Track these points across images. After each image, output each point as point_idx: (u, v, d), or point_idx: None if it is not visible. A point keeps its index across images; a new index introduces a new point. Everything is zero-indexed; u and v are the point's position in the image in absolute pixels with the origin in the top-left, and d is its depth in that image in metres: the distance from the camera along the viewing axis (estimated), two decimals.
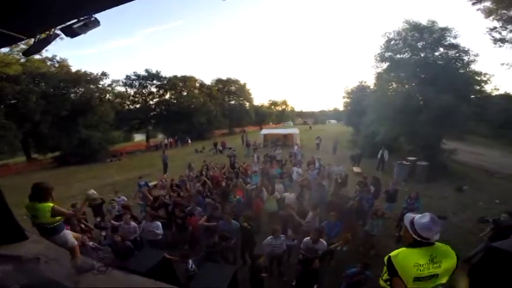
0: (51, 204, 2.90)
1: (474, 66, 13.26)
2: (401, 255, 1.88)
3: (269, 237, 5.00)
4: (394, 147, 16.08)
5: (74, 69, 25.57)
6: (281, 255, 5.17)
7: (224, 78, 50.14)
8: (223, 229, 5.44)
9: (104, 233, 6.22)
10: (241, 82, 52.03)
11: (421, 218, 1.89)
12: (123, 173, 17.97)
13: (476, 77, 13.20)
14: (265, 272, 4.36)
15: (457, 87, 12.40)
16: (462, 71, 13.25)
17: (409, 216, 2.01)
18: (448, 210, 8.12)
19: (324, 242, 4.65)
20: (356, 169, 13.74)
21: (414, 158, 12.97)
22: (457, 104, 11.75)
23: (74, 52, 72.54)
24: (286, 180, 9.37)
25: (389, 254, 1.92)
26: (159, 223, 5.83)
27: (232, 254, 5.67)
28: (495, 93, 14.14)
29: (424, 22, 13.95)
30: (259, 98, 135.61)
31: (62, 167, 22.50)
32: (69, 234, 3.12)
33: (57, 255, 3.20)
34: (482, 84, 13.26)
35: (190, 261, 4.60)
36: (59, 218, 2.97)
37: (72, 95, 25.01)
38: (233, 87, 51.07)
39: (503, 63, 14.42)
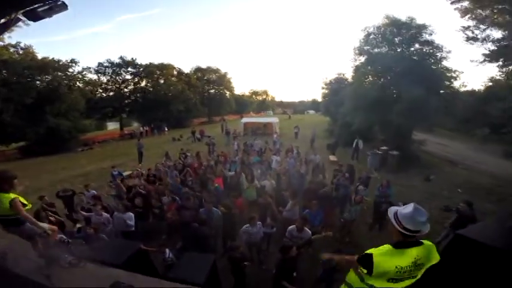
0: (13, 196, 2.67)
1: (446, 63, 14.12)
2: (384, 257, 1.76)
3: (245, 225, 5.06)
4: (368, 137, 16.75)
5: (41, 56, 24.38)
6: (259, 243, 5.26)
7: (204, 67, 49.60)
8: (203, 217, 5.42)
9: (78, 225, 5.94)
10: (222, 71, 51.81)
11: (404, 209, 1.80)
12: (95, 162, 17.18)
13: (447, 73, 14.07)
14: (244, 260, 4.40)
15: (428, 82, 13.11)
16: (434, 67, 14.04)
17: (392, 209, 1.91)
18: (416, 199, 8.59)
19: (309, 230, 4.71)
20: (332, 157, 14.18)
21: (386, 148, 13.57)
22: (428, 98, 12.42)
23: (42, 39, 67.65)
24: (264, 168, 9.44)
25: (372, 252, 1.80)
26: (131, 214, 5.67)
27: (212, 242, 5.61)
28: (463, 89, 15.28)
29: (403, 18, 14.54)
30: (240, 87, 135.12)
31: (28, 157, 21.03)
32: (34, 228, 2.87)
33: (25, 249, 3.00)
34: (452, 80, 14.20)
35: (167, 251, 4.55)
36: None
37: (38, 82, 23.68)
38: (213, 76, 50.61)
39: (472, 60, 15.44)
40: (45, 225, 2.98)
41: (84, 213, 5.90)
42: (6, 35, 19.66)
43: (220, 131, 26.47)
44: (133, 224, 5.61)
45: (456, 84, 14.39)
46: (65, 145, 23.28)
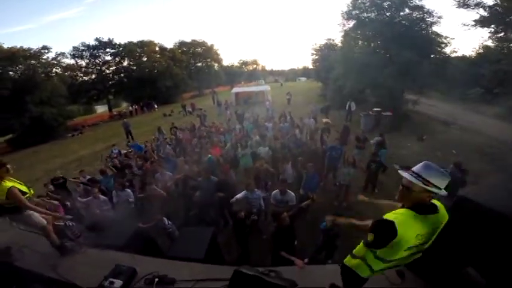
0: (10, 185, 2.67)
1: (436, 28, 13.90)
2: (406, 224, 1.52)
3: (243, 191, 5.02)
4: (360, 99, 16.73)
5: (7, 46, 23.34)
6: (258, 210, 5.16)
7: (188, 40, 47.79)
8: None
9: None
10: (208, 44, 50.02)
11: (428, 168, 1.56)
12: (87, 146, 16.96)
13: (438, 39, 13.91)
14: (249, 222, 4.39)
15: (419, 47, 13.03)
16: (424, 32, 13.85)
17: (404, 169, 1.66)
18: (410, 160, 8.55)
19: (291, 193, 4.72)
20: (325, 120, 14.15)
21: (379, 109, 13.55)
22: (419, 61, 12.43)
23: (7, 30, 62.50)
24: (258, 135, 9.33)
25: (392, 219, 1.54)
26: (129, 191, 5.71)
27: (210, 215, 5.64)
28: (454, 55, 15.22)
29: None
30: (229, 58, 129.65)
31: (18, 150, 20.65)
32: (34, 214, 2.91)
33: (28, 241, 3.04)
34: (443, 46, 14.07)
35: (165, 219, 4.65)
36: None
37: (10, 73, 23.07)
38: (199, 49, 48.96)
39: (464, 24, 15.75)
40: (42, 220, 2.97)
41: (82, 199, 5.87)
42: None
43: (212, 103, 26.11)
44: (134, 201, 5.68)
45: (447, 50, 14.37)
46: (53, 132, 22.96)
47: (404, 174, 1.61)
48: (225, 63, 57.22)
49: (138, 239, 3.76)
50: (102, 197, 5.60)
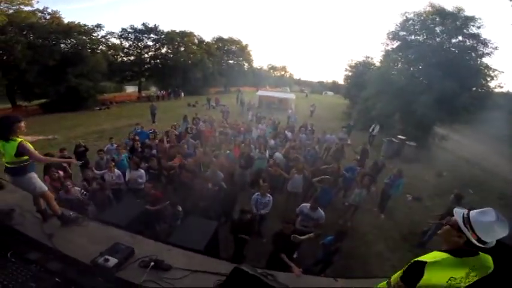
0: (19, 140, 2.55)
1: (488, 59, 12.98)
2: (440, 266, 1.46)
3: (256, 193, 5.14)
4: (386, 124, 16.14)
5: (67, 21, 25.08)
6: (265, 214, 5.23)
7: (226, 37, 48.83)
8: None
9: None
10: (243, 43, 50.84)
11: (483, 216, 1.42)
12: (111, 121, 17.66)
13: (486, 71, 13.06)
14: (253, 227, 4.40)
15: (462, 77, 12.29)
16: (472, 63, 13.02)
17: (459, 211, 1.54)
18: (425, 193, 8.51)
19: (321, 211, 4.63)
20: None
21: (404, 137, 13.09)
22: (459, 93, 11.77)
23: (68, 6, 67.11)
24: (278, 140, 9.34)
25: (424, 259, 1.50)
26: (143, 172, 5.84)
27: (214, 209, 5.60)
28: (498, 90, 14.13)
29: (449, 8, 13.46)
30: (259, 60, 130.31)
31: (48, 114, 21.79)
32: (36, 178, 2.81)
33: (31, 206, 2.96)
34: (488, 79, 13.20)
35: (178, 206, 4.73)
36: (25, 158, 2.63)
37: (62, 45, 24.65)
38: (234, 47, 49.84)
39: None
40: (43, 186, 2.91)
41: (97, 171, 6.06)
42: (35, 0, 21.84)
43: (235, 101, 26.26)
44: (143, 182, 5.72)
45: (492, 84, 13.41)
46: (83, 103, 24.08)
47: (458, 216, 1.51)
48: (255, 64, 58.05)
49: (141, 221, 3.82)
50: (117, 171, 5.79)
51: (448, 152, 15.07)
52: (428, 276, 1.45)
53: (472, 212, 1.47)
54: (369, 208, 6.86)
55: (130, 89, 44.20)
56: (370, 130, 14.46)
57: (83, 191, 4.82)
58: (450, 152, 15.39)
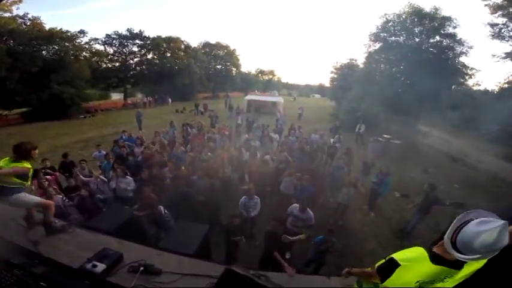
0: (29, 167, 2.76)
1: (464, 58, 13.76)
2: (412, 266, 1.44)
3: (243, 197, 5.13)
4: (372, 124, 16.47)
5: (48, 27, 24.69)
6: (255, 216, 5.22)
7: (213, 42, 48.64)
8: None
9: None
10: (231, 48, 50.54)
11: (481, 225, 1.22)
12: (97, 129, 17.30)
13: (463, 70, 13.77)
14: (241, 232, 4.37)
15: (442, 76, 12.80)
16: (450, 62, 13.69)
17: (464, 217, 1.33)
18: (412, 190, 8.74)
19: (310, 212, 4.62)
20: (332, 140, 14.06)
21: (389, 136, 13.41)
22: (438, 92, 12.31)
23: (53, 12, 65.31)
24: (266, 143, 9.41)
25: (399, 261, 1.48)
26: (131, 179, 5.71)
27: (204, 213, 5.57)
28: (476, 88, 15.13)
29: (427, 8, 14.04)
30: (247, 65, 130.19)
31: (30, 123, 21.13)
32: (25, 196, 2.86)
33: (15, 214, 2.98)
34: (466, 77, 13.98)
35: (162, 208, 4.64)
36: (19, 181, 2.74)
37: (44, 52, 24.24)
38: (221, 52, 49.52)
39: (494, 55, 15.15)
40: (37, 198, 3.01)
41: (83, 177, 5.91)
42: (14, 7, 21.50)
43: (224, 106, 26.21)
44: (132, 189, 5.62)
45: (470, 82, 14.27)
46: (67, 111, 23.43)
47: (458, 220, 1.35)
48: (243, 69, 57.64)
49: (130, 226, 3.74)
50: (102, 177, 5.67)
51: (432, 149, 15.48)
52: (398, 277, 1.46)
53: (474, 220, 1.27)
54: (358, 206, 7.02)
55: (116, 97, 43.41)
56: (357, 130, 14.74)
57: (65, 198, 4.71)
58: (435, 149, 15.83)
